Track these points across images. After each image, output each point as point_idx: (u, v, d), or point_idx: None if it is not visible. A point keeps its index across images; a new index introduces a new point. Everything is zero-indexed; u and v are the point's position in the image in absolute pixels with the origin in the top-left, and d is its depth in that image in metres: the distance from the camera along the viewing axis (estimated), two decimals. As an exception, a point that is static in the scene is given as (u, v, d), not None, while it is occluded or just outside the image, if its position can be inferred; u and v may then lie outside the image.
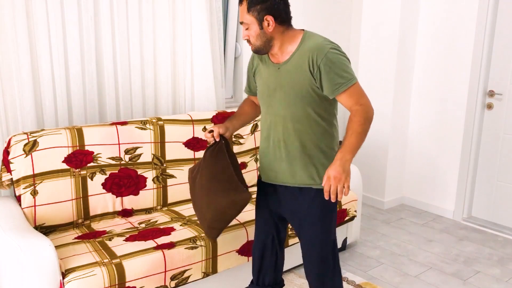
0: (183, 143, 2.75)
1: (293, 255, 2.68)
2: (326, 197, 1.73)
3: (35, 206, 2.26)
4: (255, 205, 2.12)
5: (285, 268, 2.71)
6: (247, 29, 1.81)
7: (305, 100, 1.81)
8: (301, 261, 2.80)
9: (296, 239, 2.61)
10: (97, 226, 2.39)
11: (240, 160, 2.96)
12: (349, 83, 1.75)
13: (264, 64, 1.92)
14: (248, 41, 1.84)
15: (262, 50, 1.84)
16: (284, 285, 2.24)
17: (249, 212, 2.52)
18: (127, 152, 2.55)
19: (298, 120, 1.84)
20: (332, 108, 1.88)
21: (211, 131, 1.97)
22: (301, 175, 1.88)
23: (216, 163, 1.95)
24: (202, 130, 2.83)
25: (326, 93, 1.79)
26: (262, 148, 2.00)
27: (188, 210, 2.61)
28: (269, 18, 1.79)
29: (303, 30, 1.90)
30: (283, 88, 1.83)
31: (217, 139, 1.97)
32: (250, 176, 3.01)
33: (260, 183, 2.07)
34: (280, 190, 1.96)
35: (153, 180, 2.62)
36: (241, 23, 1.82)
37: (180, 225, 2.37)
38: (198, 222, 2.39)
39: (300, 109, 1.82)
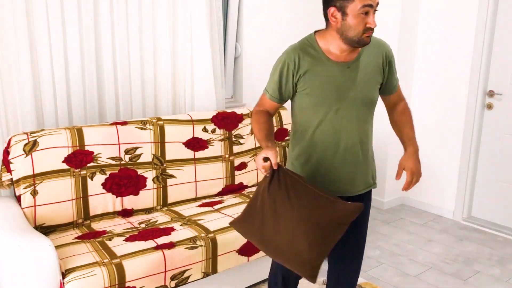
0: (183, 143, 2.75)
1: (293, 255, 2.68)
2: (406, 190, 1.81)
3: (35, 206, 2.26)
4: None
5: None
6: (373, 13, 1.62)
7: (373, 99, 1.79)
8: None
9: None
10: (97, 226, 2.39)
11: (240, 160, 2.96)
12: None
13: (321, 64, 1.71)
14: (372, 29, 1.63)
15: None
16: None
17: (249, 212, 2.52)
18: (127, 152, 2.55)
19: (366, 120, 1.80)
20: None
21: (266, 159, 1.63)
22: (365, 178, 1.87)
23: (296, 195, 1.63)
24: (202, 130, 2.83)
25: (388, 88, 1.85)
26: (322, 156, 1.79)
27: (188, 210, 2.61)
28: None
29: None
30: (358, 88, 1.73)
31: (275, 168, 1.64)
32: (250, 176, 3.01)
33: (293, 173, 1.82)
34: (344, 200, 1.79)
35: (153, 180, 2.62)
36: (377, 4, 1.61)
37: (180, 225, 2.37)
38: (198, 222, 2.39)
39: (370, 109, 1.80)
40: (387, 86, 1.85)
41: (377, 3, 1.61)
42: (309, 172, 1.81)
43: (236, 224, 1.78)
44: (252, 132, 3.03)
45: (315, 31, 1.78)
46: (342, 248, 1.89)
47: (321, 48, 1.72)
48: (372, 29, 1.61)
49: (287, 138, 3.21)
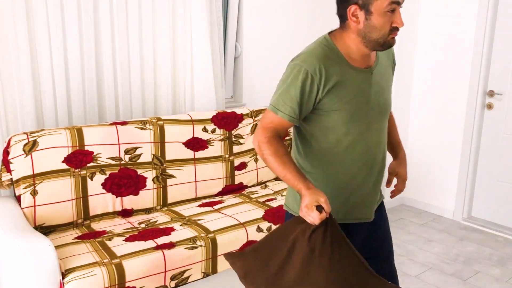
0: (183, 143, 2.75)
1: (293, 255, 2.68)
2: (394, 196, 1.73)
3: (35, 206, 2.26)
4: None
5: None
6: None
7: (390, 107, 1.60)
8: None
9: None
10: (97, 226, 2.39)
11: (240, 160, 2.96)
12: None
13: (346, 73, 1.46)
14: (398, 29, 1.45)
15: None
16: None
17: (249, 212, 2.52)
18: (127, 152, 2.55)
19: (386, 130, 1.61)
20: None
21: (320, 208, 1.35)
22: (381, 190, 1.69)
23: (340, 257, 1.39)
24: (202, 130, 2.83)
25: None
26: (355, 183, 1.55)
27: (188, 210, 2.61)
28: None
29: None
30: (381, 97, 1.54)
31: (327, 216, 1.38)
32: (250, 176, 3.01)
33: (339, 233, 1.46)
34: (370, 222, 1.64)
35: (153, 180, 2.62)
36: (403, 0, 1.43)
37: (180, 225, 2.37)
38: (198, 222, 2.39)
39: (388, 116, 1.62)
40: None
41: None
42: (335, 203, 1.50)
43: (238, 257, 1.51)
44: (251, 132, 3.02)
45: (329, 33, 1.53)
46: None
47: (343, 54, 1.47)
48: (398, 29, 1.42)
49: (287, 138, 3.21)
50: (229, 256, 1.53)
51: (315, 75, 1.40)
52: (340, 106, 1.45)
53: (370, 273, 1.40)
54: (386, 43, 1.44)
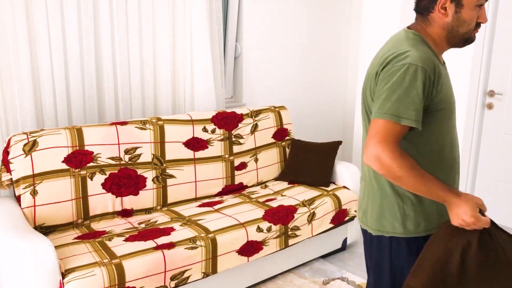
0: (183, 143, 2.75)
1: (293, 255, 2.68)
2: None
3: (34, 206, 2.26)
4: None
5: (285, 268, 2.71)
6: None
7: None
8: (301, 261, 2.80)
9: (296, 239, 2.60)
10: (97, 226, 2.39)
11: (240, 160, 2.96)
12: None
13: (441, 70, 1.40)
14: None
15: None
16: None
17: (249, 212, 2.52)
18: (127, 152, 2.55)
19: None
20: None
21: (481, 212, 1.29)
22: None
23: None
24: (202, 130, 2.83)
25: None
26: (455, 179, 1.50)
27: (188, 210, 2.61)
28: None
29: None
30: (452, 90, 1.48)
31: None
32: (250, 176, 3.01)
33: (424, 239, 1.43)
34: None
35: (153, 180, 2.62)
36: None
37: (180, 225, 2.37)
38: (198, 222, 2.38)
39: None
40: None
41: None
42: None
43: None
44: (252, 132, 3.02)
45: (409, 28, 1.46)
46: None
47: (433, 48, 1.42)
48: (480, 26, 1.41)
49: (287, 138, 3.21)
50: None
51: (431, 74, 1.31)
52: (445, 103, 1.38)
53: None
54: (470, 39, 1.41)
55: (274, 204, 2.65)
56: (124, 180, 2.51)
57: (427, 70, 1.30)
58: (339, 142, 3.06)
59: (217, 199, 2.79)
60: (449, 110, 1.40)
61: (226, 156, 2.91)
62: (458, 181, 1.50)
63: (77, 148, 2.39)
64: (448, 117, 1.41)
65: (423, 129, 1.34)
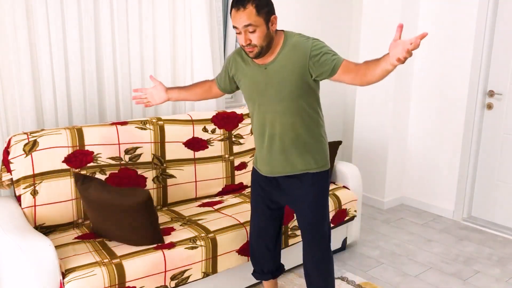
0: (183, 143, 2.75)
1: (293, 255, 2.68)
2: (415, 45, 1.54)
3: (35, 206, 2.26)
4: (251, 197, 2.23)
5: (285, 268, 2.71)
6: (252, 31, 1.80)
7: (297, 94, 1.93)
8: (301, 261, 2.80)
9: (296, 239, 2.61)
10: (97, 226, 2.39)
11: (240, 160, 2.96)
12: (341, 58, 1.86)
13: (248, 66, 2.00)
14: (248, 45, 1.83)
15: (264, 52, 1.87)
16: (284, 270, 2.40)
17: (249, 212, 2.52)
18: (127, 152, 2.55)
19: (292, 113, 1.95)
20: (318, 99, 2.04)
21: None
22: (298, 163, 2.02)
23: None
24: (202, 130, 2.83)
25: (326, 76, 1.88)
26: (257, 144, 2.10)
27: (188, 210, 2.61)
28: (274, 18, 1.87)
29: (282, 30, 1.96)
30: (274, 86, 1.92)
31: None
32: (250, 176, 3.00)
33: (255, 175, 2.18)
34: (280, 180, 2.08)
35: (153, 180, 2.62)
36: (247, 25, 1.78)
37: (180, 225, 2.37)
38: (198, 222, 2.39)
39: (293, 103, 1.94)
40: (324, 73, 1.87)
41: (248, 25, 1.79)
42: (257, 149, 2.14)
43: None
44: (252, 132, 3.02)
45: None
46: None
47: None
48: (248, 45, 1.84)
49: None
50: None
51: (230, 64, 2.14)
52: (243, 88, 2.08)
53: None
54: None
55: (274, 204, 2.64)
56: (124, 180, 2.51)
57: (228, 61, 2.15)
58: (339, 142, 3.06)
59: (217, 199, 2.80)
60: (248, 94, 2.06)
61: (226, 156, 2.91)
62: (268, 141, 2.05)
63: (78, 148, 2.40)
64: (250, 98, 2.06)
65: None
